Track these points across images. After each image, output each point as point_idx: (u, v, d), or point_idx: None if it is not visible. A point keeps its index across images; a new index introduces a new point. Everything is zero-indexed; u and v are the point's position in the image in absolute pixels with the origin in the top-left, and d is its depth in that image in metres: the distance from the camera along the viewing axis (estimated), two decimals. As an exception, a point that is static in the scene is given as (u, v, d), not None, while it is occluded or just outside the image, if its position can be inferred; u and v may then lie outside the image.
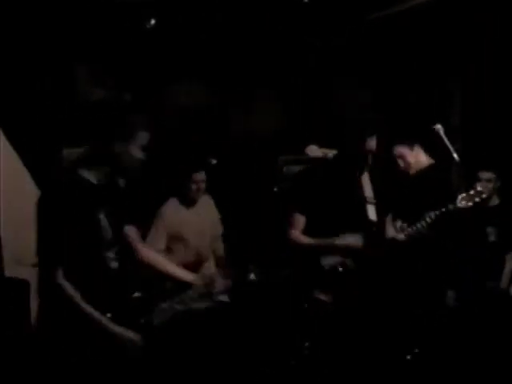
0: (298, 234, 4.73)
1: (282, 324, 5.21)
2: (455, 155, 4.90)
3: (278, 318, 5.28)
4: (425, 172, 5.63)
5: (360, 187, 4.69)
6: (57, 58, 7.28)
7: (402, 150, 5.65)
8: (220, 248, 5.98)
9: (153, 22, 7.19)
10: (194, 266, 5.44)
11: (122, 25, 7.19)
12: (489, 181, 5.76)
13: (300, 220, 4.72)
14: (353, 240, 4.56)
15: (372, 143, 4.51)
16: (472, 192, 4.73)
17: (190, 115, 7.87)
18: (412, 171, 5.61)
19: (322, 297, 4.52)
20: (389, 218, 4.90)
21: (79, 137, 7.43)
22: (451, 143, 5.01)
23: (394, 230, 4.85)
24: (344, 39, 7.54)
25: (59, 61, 7.33)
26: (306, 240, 4.72)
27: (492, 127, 6.76)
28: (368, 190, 4.69)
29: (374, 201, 4.67)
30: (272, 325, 5.23)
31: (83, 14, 6.97)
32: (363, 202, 4.67)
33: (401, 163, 5.65)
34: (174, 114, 7.85)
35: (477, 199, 4.71)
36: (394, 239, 4.74)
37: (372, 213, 4.64)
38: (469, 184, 5.66)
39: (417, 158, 5.61)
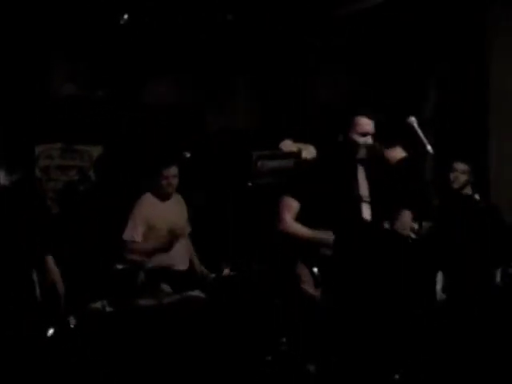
0: (290, 220, 4.42)
1: (258, 319, 5.19)
2: (429, 147, 4.86)
3: (254, 312, 5.27)
4: (398, 165, 5.57)
5: (356, 185, 4.55)
6: (30, 52, 7.23)
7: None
8: (189, 245, 5.92)
9: (126, 16, 7.12)
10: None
11: (96, 20, 7.13)
12: (463, 172, 5.78)
13: (293, 205, 4.43)
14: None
15: (367, 123, 4.45)
16: None
17: (165, 111, 7.84)
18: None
19: (311, 290, 4.41)
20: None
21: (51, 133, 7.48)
22: (425, 136, 4.98)
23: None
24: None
25: (32, 55, 7.28)
26: (300, 229, 4.40)
27: (465, 120, 6.79)
28: (363, 189, 4.57)
29: (369, 199, 4.54)
30: (247, 320, 5.21)
31: (57, 8, 6.90)
32: (358, 200, 4.51)
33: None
34: (150, 109, 7.82)
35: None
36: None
37: (366, 212, 4.52)
38: (442, 174, 5.71)
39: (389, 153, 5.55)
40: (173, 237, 5.41)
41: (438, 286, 5.62)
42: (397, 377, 4.44)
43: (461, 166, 5.73)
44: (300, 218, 4.45)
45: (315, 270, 4.35)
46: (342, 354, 4.32)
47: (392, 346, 4.49)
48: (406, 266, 4.59)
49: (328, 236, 4.36)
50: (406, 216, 4.69)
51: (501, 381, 4.85)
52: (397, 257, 4.53)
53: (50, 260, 4.67)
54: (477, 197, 5.61)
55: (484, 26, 6.74)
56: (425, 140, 4.77)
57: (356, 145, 4.44)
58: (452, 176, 5.68)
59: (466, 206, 5.75)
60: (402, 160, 5.45)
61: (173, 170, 5.61)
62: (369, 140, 4.46)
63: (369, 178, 4.59)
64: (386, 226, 4.64)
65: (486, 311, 5.37)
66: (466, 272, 5.58)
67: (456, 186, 5.64)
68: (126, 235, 5.53)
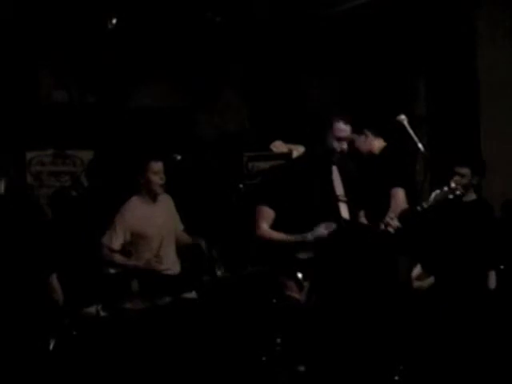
0: (266, 227, 4.57)
1: (252, 320, 5.19)
2: (420, 145, 4.85)
3: (248, 314, 5.27)
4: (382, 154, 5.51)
5: (331, 185, 4.62)
6: (19, 59, 7.24)
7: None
8: (185, 236, 5.76)
9: (114, 21, 7.12)
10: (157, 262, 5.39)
11: (85, 27, 7.14)
12: (463, 176, 5.76)
13: (269, 214, 4.57)
14: (323, 229, 4.46)
15: (343, 129, 4.52)
16: (446, 189, 4.68)
17: (156, 115, 7.84)
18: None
19: (295, 295, 4.44)
20: (361, 213, 4.83)
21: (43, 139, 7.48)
22: (416, 134, 4.96)
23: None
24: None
25: (22, 62, 7.28)
26: (275, 235, 4.55)
27: (456, 118, 6.81)
28: (339, 188, 4.63)
29: (345, 198, 4.61)
30: (241, 321, 5.21)
31: (46, 15, 6.91)
32: (335, 200, 4.58)
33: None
34: (141, 113, 7.82)
35: (450, 196, 4.67)
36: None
37: (344, 211, 4.57)
38: (445, 178, 5.69)
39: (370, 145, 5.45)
40: (155, 265, 5.35)
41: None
42: (396, 378, 4.47)
43: (461, 170, 5.71)
44: (277, 224, 4.55)
45: (299, 275, 4.39)
46: (330, 354, 4.36)
47: (379, 343, 4.54)
48: (386, 261, 4.62)
49: (301, 237, 4.44)
50: (400, 194, 4.72)
51: (497, 381, 4.86)
52: (378, 253, 4.56)
53: (55, 279, 4.57)
54: (474, 197, 5.67)
55: (473, 23, 6.76)
56: (415, 138, 4.78)
57: (330, 150, 4.53)
58: (451, 182, 5.68)
59: (459, 208, 5.73)
60: (384, 149, 5.43)
61: (160, 165, 5.44)
62: (344, 145, 4.54)
63: (343, 177, 4.67)
64: (362, 219, 4.67)
65: (479, 311, 5.38)
66: (458, 273, 5.59)
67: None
68: (105, 239, 5.40)
